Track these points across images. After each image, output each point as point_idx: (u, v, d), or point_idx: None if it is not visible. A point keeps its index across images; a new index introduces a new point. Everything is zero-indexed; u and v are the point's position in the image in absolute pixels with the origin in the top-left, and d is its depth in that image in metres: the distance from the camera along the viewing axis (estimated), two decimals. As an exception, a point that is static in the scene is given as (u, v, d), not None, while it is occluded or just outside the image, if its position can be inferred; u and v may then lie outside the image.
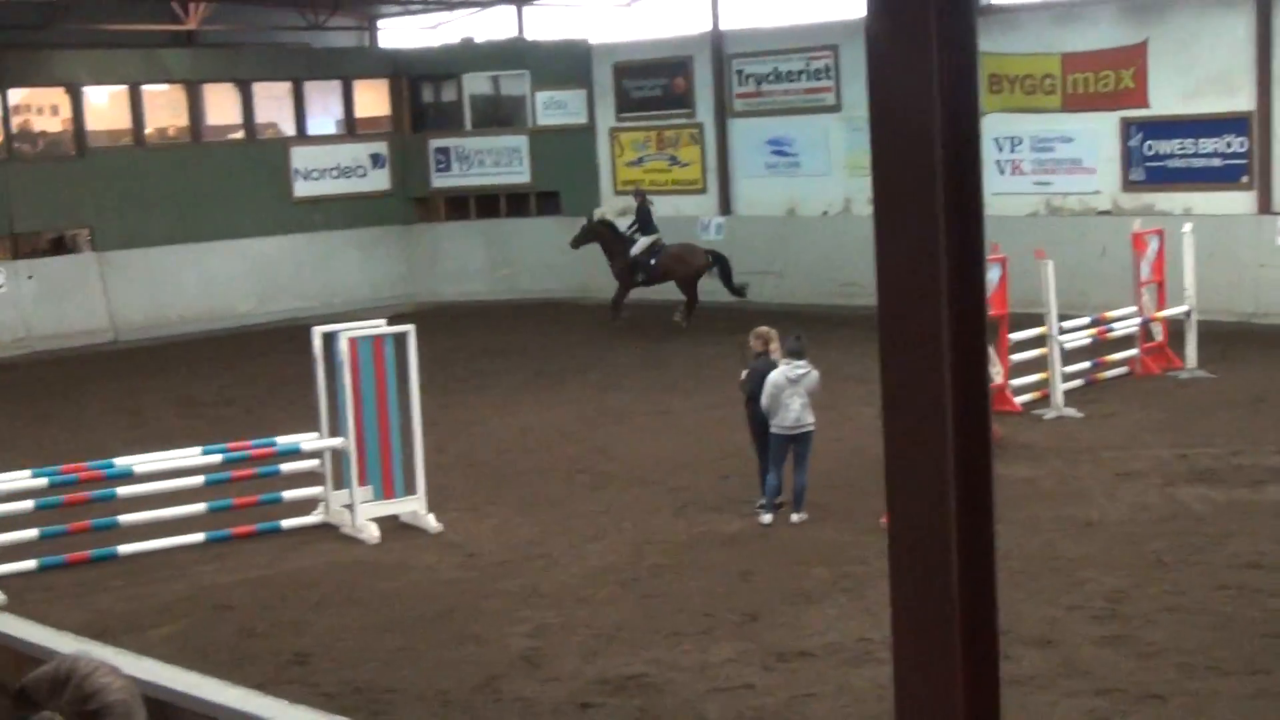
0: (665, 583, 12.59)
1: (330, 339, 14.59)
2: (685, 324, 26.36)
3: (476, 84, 32.85)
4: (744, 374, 14.72)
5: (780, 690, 10.11)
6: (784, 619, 11.54)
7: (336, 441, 14.44)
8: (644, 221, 27.29)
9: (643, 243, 27.00)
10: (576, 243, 27.30)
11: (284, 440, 14.69)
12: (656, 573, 12.87)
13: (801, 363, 14.23)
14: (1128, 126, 25.42)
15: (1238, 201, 24.57)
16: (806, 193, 29.28)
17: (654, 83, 31.22)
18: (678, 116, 31.00)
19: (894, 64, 2.22)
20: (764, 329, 14.95)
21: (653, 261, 26.80)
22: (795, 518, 14.16)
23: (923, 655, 2.30)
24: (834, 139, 28.58)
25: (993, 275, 16.98)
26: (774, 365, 14.30)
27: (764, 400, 14.11)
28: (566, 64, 32.06)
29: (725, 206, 30.40)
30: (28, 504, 13.34)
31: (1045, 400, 18.29)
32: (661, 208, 30.82)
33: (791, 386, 14.11)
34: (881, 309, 2.31)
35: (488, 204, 32.83)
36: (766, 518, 14.18)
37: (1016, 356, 18.24)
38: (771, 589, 12.28)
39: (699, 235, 29.70)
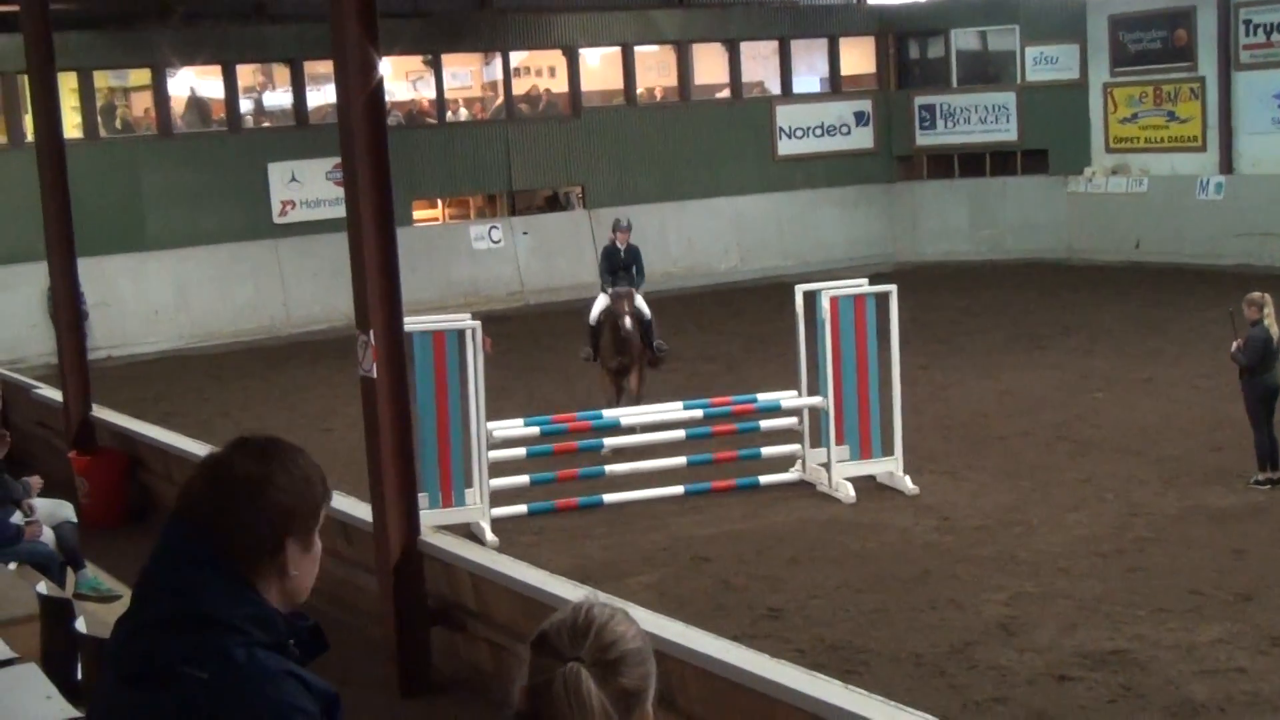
0: (1150, 556, 12.10)
1: (811, 297, 14.62)
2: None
3: (964, 39, 32.28)
4: (1236, 344, 13.93)
5: (1276, 676, 9.56)
6: (1280, 601, 10.93)
7: (815, 400, 14.47)
8: (635, 265, 17.93)
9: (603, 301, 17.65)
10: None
11: (764, 397, 14.78)
12: (1141, 546, 12.38)
13: None
14: None
15: None
16: (1319, 149, 27.57)
17: (1153, 35, 29.88)
18: (1178, 70, 29.60)
19: None
20: (1258, 295, 14.09)
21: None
22: None
23: None
24: (1355, 90, 26.82)
25: None
26: (1268, 333, 13.54)
27: None
28: (1059, 17, 31.08)
29: (1226, 165, 28.88)
30: (520, 451, 13.92)
31: None
32: (1157, 166, 29.62)
33: None
34: None
35: (972, 162, 32.29)
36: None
37: None
38: (1267, 569, 11.63)
39: (1197, 195, 28.48)
